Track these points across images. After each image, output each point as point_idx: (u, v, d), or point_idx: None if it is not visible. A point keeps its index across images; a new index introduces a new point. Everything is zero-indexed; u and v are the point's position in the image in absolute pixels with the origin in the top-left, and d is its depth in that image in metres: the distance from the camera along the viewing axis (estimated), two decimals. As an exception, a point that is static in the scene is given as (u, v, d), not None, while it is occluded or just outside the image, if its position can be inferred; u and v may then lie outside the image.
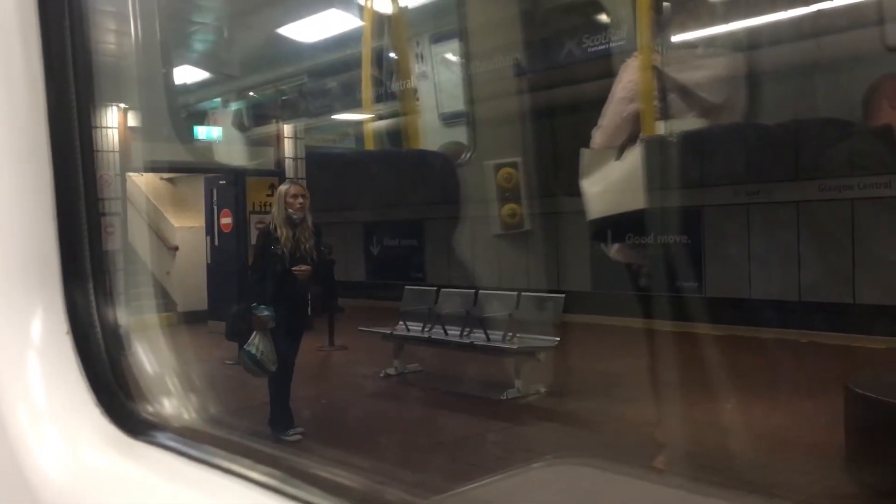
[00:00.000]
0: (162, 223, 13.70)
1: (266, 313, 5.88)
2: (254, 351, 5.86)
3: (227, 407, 6.44)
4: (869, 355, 8.46)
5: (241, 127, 17.37)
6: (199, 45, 17.69)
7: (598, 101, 10.75)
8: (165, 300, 12.82)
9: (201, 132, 14.25)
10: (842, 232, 9.76)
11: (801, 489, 4.88)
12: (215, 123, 16.38)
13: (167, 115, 12.25)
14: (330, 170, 14.56)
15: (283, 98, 17.74)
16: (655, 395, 6.81)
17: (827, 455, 5.29)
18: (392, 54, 13.69)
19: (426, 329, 8.40)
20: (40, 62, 1.33)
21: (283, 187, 6.24)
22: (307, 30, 15.87)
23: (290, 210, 5.97)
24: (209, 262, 12.58)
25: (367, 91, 12.70)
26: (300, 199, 6.00)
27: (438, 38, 14.84)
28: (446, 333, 8.19)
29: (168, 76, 12.91)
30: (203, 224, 12.88)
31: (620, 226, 10.70)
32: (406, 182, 13.60)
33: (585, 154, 10.63)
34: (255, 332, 5.89)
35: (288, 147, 12.94)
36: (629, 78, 10.30)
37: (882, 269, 9.20)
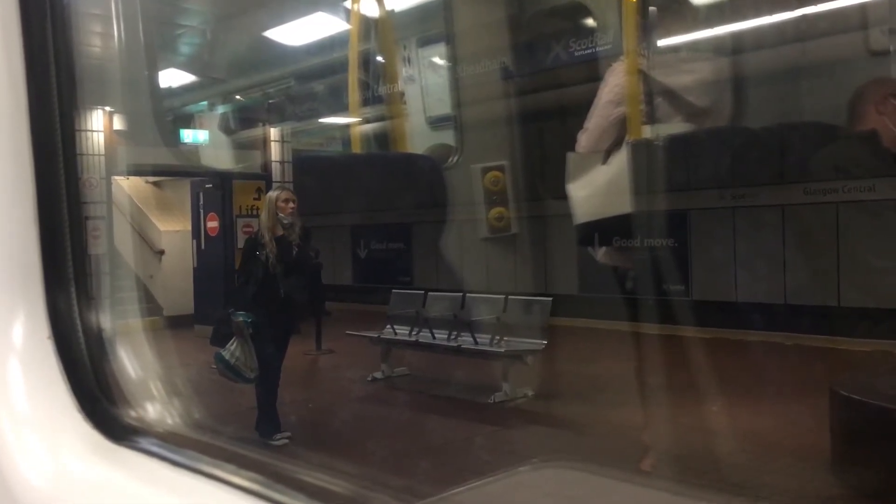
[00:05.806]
0: (147, 227, 13.63)
1: (242, 319, 5.84)
2: (227, 356, 5.81)
3: (213, 412, 6.40)
4: (854, 358, 8.50)
5: (227, 130, 17.31)
6: (184, 49, 17.64)
7: (585, 105, 10.76)
8: (150, 304, 12.75)
9: (187, 135, 14.19)
10: (827, 235, 9.82)
11: (787, 491, 4.90)
12: (201, 127, 16.30)
13: (153, 118, 12.20)
14: (317, 173, 14.53)
15: (270, 101, 17.71)
16: (643, 398, 6.82)
17: (812, 457, 5.31)
18: (379, 58, 13.68)
19: (413, 332, 8.39)
20: (22, 65, 1.32)
21: (272, 193, 6.33)
22: (294, 33, 15.85)
23: (281, 215, 6.05)
24: (195, 265, 12.52)
25: (353, 94, 12.67)
26: (291, 204, 6.11)
27: (426, 42, 14.85)
28: (434, 337, 8.19)
29: (153, 79, 12.86)
30: (189, 228, 12.82)
31: (607, 230, 10.69)
32: (393, 185, 13.59)
33: (571, 158, 10.64)
34: (234, 338, 5.86)
35: (275, 150, 12.92)
36: (615, 82, 10.29)
37: (866, 271, 9.25)
